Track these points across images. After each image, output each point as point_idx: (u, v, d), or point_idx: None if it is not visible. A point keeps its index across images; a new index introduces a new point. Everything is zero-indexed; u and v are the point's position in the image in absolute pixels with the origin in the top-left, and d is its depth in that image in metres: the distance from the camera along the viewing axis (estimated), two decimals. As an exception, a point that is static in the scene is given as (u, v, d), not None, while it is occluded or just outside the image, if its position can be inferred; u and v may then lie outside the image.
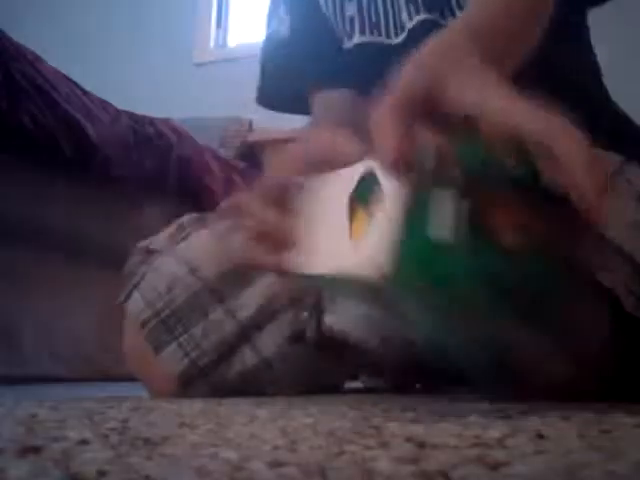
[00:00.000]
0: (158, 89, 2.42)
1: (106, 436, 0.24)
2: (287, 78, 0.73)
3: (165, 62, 2.53)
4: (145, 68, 2.53)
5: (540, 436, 0.23)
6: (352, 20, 0.67)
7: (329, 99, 0.71)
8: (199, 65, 2.58)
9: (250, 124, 2.19)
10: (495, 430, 0.25)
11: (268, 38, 0.76)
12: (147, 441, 0.23)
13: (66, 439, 0.23)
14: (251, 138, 2.16)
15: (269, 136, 2.04)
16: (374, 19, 0.66)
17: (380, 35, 0.65)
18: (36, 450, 0.20)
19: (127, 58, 2.56)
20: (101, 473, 0.17)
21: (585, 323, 0.44)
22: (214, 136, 2.03)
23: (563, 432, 0.25)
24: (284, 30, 0.73)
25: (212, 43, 2.66)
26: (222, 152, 1.80)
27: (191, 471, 0.17)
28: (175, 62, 2.54)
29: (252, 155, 2.10)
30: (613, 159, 0.57)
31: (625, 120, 0.68)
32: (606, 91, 0.69)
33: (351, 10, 0.67)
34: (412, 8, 0.63)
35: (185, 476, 0.16)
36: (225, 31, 2.70)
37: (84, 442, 0.23)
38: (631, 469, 0.17)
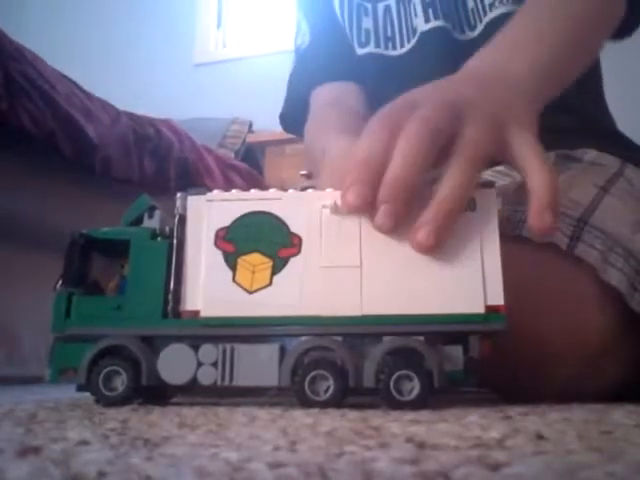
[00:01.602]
0: (158, 89, 2.42)
1: (106, 436, 0.24)
2: (305, 88, 0.74)
3: (165, 63, 2.53)
4: (145, 69, 2.53)
5: (540, 437, 0.23)
6: (368, 32, 0.69)
7: (335, 90, 0.72)
8: (199, 66, 2.59)
9: (250, 125, 2.19)
10: (495, 431, 0.25)
11: (295, 54, 0.78)
12: (147, 441, 0.23)
13: (66, 439, 0.23)
14: (251, 139, 2.16)
15: (269, 137, 2.04)
16: (389, 33, 0.67)
17: (395, 48, 0.67)
18: (36, 450, 0.20)
19: (127, 58, 2.56)
20: (101, 474, 0.17)
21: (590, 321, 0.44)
22: (214, 137, 2.03)
23: (563, 433, 0.25)
24: (306, 42, 0.75)
25: (212, 44, 2.66)
26: (222, 153, 1.80)
27: (191, 471, 0.17)
28: (175, 63, 2.54)
29: (252, 156, 2.11)
30: (613, 162, 0.57)
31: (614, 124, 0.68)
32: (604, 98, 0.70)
33: (367, 23, 0.69)
34: (431, 12, 0.64)
35: (185, 476, 0.16)
36: (225, 32, 2.70)
37: (84, 442, 0.23)
38: (631, 470, 0.17)
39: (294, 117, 0.78)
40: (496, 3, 0.63)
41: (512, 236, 0.46)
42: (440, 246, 0.36)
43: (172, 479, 0.16)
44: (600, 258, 0.44)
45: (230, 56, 2.57)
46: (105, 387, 0.38)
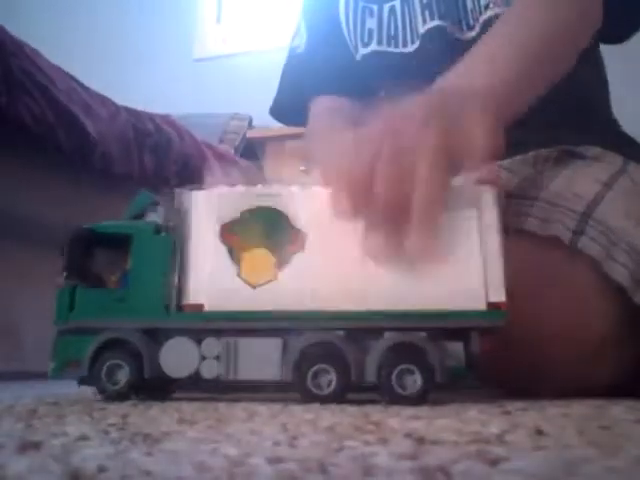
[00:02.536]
0: (157, 85, 2.41)
1: (106, 432, 0.24)
2: (301, 93, 0.75)
3: (165, 58, 2.53)
4: (145, 64, 2.52)
5: (539, 432, 0.23)
6: (371, 32, 0.70)
7: (334, 101, 0.73)
8: (199, 61, 2.58)
9: (250, 120, 2.19)
10: (494, 426, 0.25)
11: (289, 54, 0.79)
12: (147, 437, 0.23)
13: (66, 435, 0.23)
14: (251, 134, 2.16)
15: (269, 133, 2.04)
16: (392, 32, 0.68)
17: (397, 46, 0.68)
18: (36, 446, 0.20)
19: (126, 53, 2.56)
20: (101, 469, 0.17)
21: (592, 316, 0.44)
22: (214, 132, 2.02)
23: (562, 428, 0.25)
24: (302, 45, 0.76)
25: (212, 39, 2.66)
26: (222, 148, 1.79)
27: (191, 467, 0.17)
28: (175, 58, 2.54)
29: (252, 151, 2.10)
30: (615, 159, 0.57)
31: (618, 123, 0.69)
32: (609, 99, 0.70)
33: (371, 24, 0.70)
34: (427, 14, 0.65)
35: (185, 472, 0.16)
36: (225, 27, 2.70)
37: (84, 438, 0.23)
38: (630, 465, 0.17)
39: (291, 115, 0.79)
40: (490, 4, 0.63)
41: (515, 229, 0.46)
42: (432, 252, 0.36)
43: (172, 474, 0.16)
44: (603, 252, 0.44)
45: (230, 51, 2.56)
46: (108, 380, 0.38)
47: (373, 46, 0.70)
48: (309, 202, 0.39)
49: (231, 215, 0.39)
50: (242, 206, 0.40)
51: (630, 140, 0.66)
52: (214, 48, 2.63)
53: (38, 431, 0.25)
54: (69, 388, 0.40)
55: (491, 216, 0.37)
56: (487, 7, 0.64)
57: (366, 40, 0.71)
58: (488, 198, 0.38)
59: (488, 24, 0.62)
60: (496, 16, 0.62)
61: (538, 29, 0.52)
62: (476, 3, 0.64)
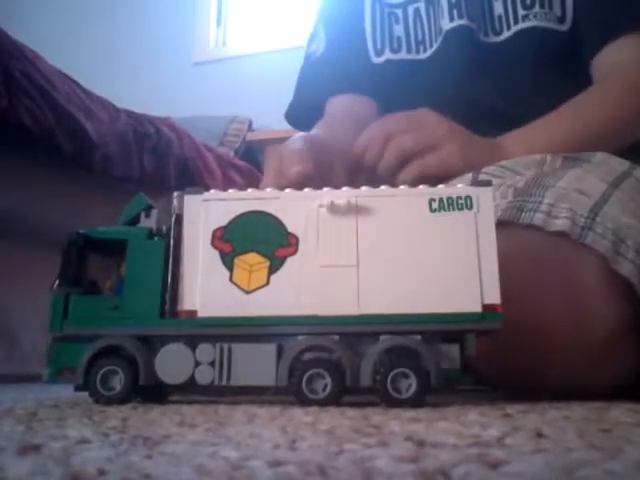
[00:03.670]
0: (158, 88, 2.42)
1: (106, 435, 0.24)
2: (318, 97, 0.75)
3: (164, 61, 2.53)
4: (144, 66, 2.52)
5: (540, 435, 0.23)
6: (399, 39, 0.71)
7: (350, 100, 0.73)
8: (199, 64, 2.58)
9: (250, 123, 2.19)
10: (495, 429, 0.25)
11: (306, 59, 0.79)
12: (147, 440, 0.23)
13: (66, 438, 0.23)
14: (250, 137, 2.16)
15: (269, 135, 2.04)
16: (420, 37, 0.69)
17: (425, 51, 0.69)
18: (36, 448, 0.20)
19: (126, 56, 2.56)
20: (101, 472, 0.17)
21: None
22: (214, 135, 2.02)
23: (563, 431, 0.25)
24: (321, 49, 0.76)
25: (212, 42, 2.66)
26: (222, 151, 1.79)
27: (191, 469, 0.17)
28: (174, 61, 2.54)
29: (252, 154, 2.10)
30: (622, 163, 0.58)
31: None
32: None
33: (399, 30, 0.71)
34: (455, 12, 0.66)
35: (185, 475, 0.16)
36: (225, 30, 2.70)
37: (84, 441, 0.23)
38: (631, 468, 0.17)
39: (307, 119, 0.78)
40: (530, 16, 0.65)
41: (522, 225, 0.46)
42: None
43: (172, 477, 0.16)
44: (611, 248, 0.44)
45: (230, 54, 2.56)
46: (103, 387, 0.38)
47: (402, 54, 0.71)
48: (302, 205, 0.39)
49: (223, 219, 0.39)
50: (234, 210, 0.39)
51: (636, 147, 0.66)
52: (214, 51, 2.63)
53: (38, 434, 0.25)
54: (69, 391, 0.40)
55: (487, 217, 0.37)
56: (526, 18, 0.65)
57: (395, 47, 0.72)
58: (485, 199, 0.38)
59: (524, 35, 0.65)
60: (534, 28, 0.65)
61: (610, 112, 0.58)
62: (509, 11, 0.66)
